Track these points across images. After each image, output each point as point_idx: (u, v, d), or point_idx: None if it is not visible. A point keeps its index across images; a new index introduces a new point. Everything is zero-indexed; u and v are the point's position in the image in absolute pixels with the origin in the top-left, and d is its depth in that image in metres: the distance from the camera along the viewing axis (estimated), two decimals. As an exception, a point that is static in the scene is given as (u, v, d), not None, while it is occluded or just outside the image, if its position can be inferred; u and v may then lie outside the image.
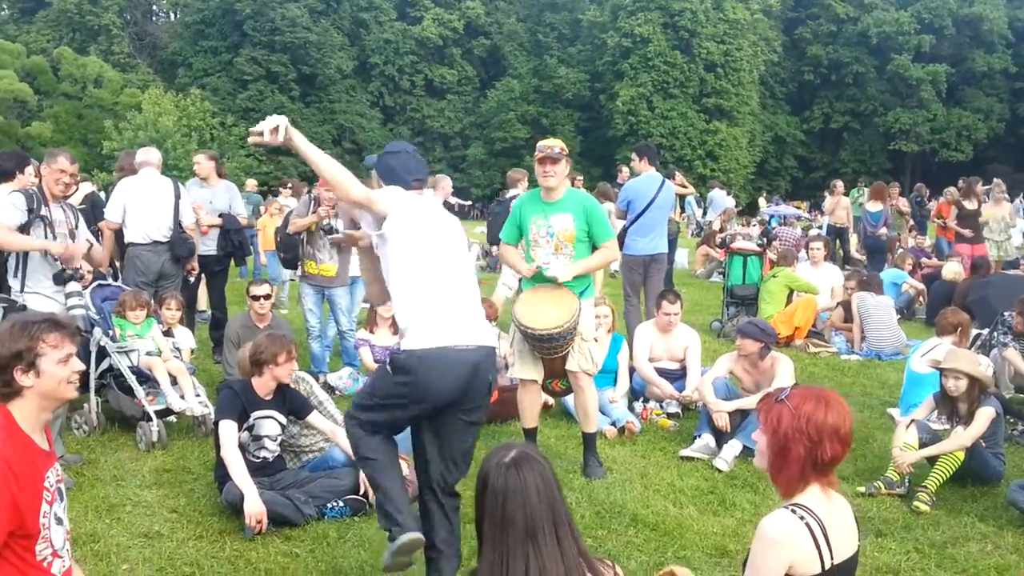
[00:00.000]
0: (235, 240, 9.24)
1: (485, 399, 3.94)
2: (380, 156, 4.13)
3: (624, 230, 8.99)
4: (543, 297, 5.60)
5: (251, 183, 20.96)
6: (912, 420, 5.79)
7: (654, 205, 8.89)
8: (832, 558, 2.57)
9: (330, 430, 5.42)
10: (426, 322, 3.71)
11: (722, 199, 22.59)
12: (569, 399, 6.63)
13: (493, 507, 2.47)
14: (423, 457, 3.93)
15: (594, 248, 5.78)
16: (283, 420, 5.35)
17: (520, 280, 6.21)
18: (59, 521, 3.02)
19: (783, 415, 2.63)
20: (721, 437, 6.29)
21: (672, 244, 14.58)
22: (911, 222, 18.79)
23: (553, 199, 5.74)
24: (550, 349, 5.61)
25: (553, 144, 5.71)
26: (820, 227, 18.36)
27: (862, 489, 5.56)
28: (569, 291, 5.59)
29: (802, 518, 2.57)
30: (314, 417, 5.48)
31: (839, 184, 18.46)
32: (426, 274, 3.79)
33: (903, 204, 18.46)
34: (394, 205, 3.83)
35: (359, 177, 3.93)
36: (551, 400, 7.06)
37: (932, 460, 5.51)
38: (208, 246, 8.88)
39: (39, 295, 5.65)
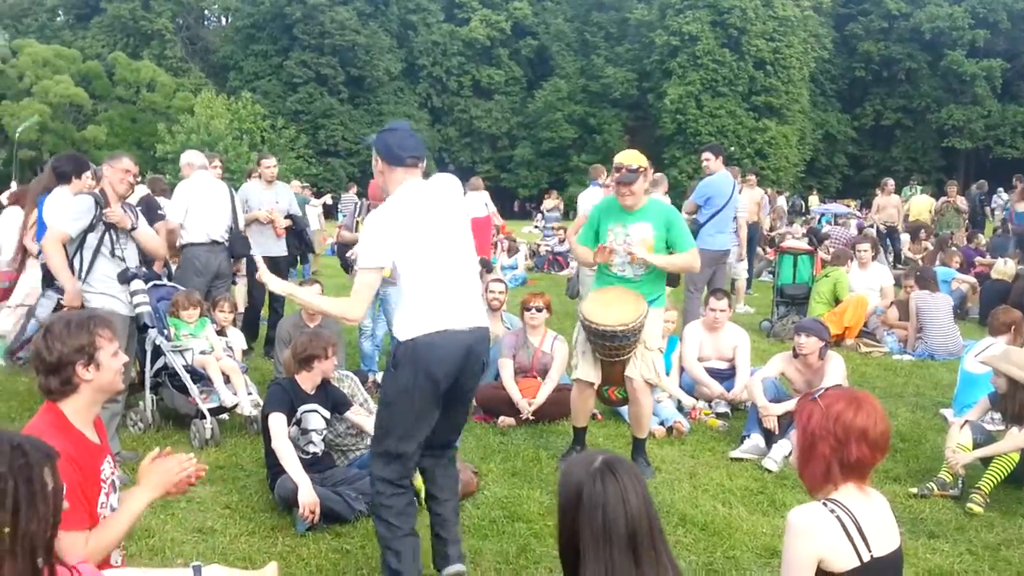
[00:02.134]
0: (306, 240, 9.51)
1: (479, 377, 4.15)
2: (379, 134, 4.15)
3: (700, 225, 9.41)
4: (611, 296, 5.59)
5: (295, 184, 21.13)
6: (966, 421, 5.72)
7: (730, 204, 9.59)
8: (870, 551, 2.56)
9: (369, 426, 5.49)
10: (418, 312, 3.86)
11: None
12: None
13: (592, 518, 2.30)
14: None
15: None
16: (326, 414, 5.45)
17: (592, 279, 6.20)
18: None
19: (814, 413, 2.66)
20: (770, 437, 6.25)
21: (752, 243, 14.64)
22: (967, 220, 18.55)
23: (633, 208, 5.69)
24: (612, 349, 5.57)
25: (630, 162, 5.60)
26: (871, 225, 18.17)
27: (914, 490, 5.49)
28: (638, 294, 5.57)
29: (832, 511, 2.59)
30: (353, 412, 5.60)
31: (890, 182, 18.31)
32: (419, 267, 3.90)
33: (961, 202, 18.21)
34: (383, 248, 3.90)
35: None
36: (599, 414, 7.07)
37: (986, 461, 5.43)
38: (280, 248, 9.08)
39: (103, 295, 5.76)
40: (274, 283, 4.11)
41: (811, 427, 2.64)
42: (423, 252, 3.90)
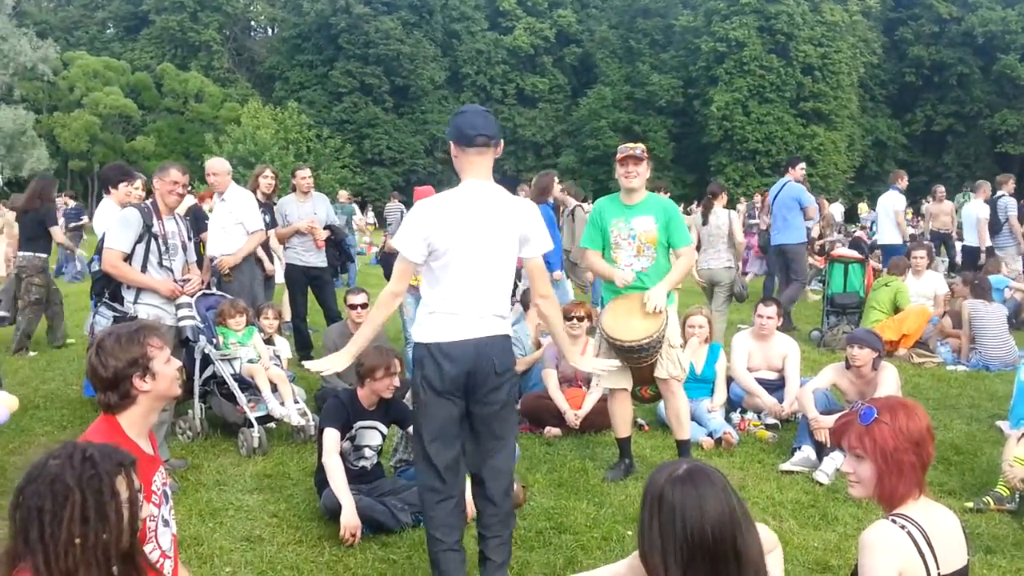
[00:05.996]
0: (345, 250, 9.58)
1: (497, 381, 3.94)
2: (451, 119, 4.06)
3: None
4: (630, 307, 5.60)
5: (343, 194, 21.41)
6: (1023, 433, 5.57)
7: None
8: (938, 568, 2.50)
9: None
10: (434, 315, 3.89)
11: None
12: (662, 406, 6.57)
13: (670, 525, 2.32)
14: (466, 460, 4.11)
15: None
16: (384, 431, 5.42)
17: (603, 288, 6.23)
18: (165, 523, 3.13)
19: (886, 435, 2.59)
20: (822, 449, 6.14)
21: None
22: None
23: (634, 201, 5.80)
24: (639, 359, 5.60)
25: (635, 145, 5.77)
26: (921, 233, 17.88)
27: (970, 504, 5.36)
28: None
29: (903, 527, 2.53)
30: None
31: (940, 189, 18.05)
32: (441, 265, 3.86)
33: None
34: (415, 242, 3.87)
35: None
36: (646, 425, 7.09)
37: (1046, 475, 5.29)
38: (320, 259, 9.13)
39: (150, 306, 5.83)
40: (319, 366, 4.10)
41: (891, 448, 2.58)
42: (450, 251, 3.83)
